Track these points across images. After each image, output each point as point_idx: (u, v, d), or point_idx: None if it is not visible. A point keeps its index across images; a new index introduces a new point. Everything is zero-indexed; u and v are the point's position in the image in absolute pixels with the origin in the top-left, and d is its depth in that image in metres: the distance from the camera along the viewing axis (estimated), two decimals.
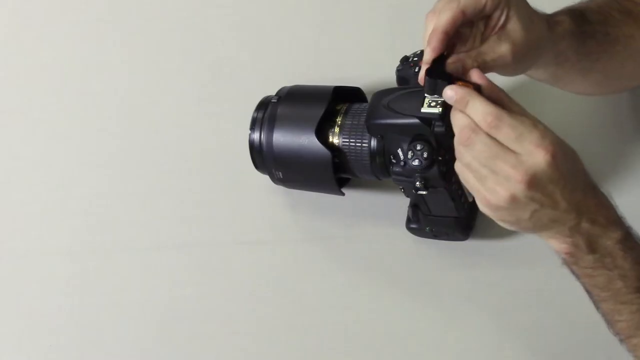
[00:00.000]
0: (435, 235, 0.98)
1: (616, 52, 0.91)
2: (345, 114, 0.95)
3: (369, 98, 0.95)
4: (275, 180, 0.99)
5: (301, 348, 0.98)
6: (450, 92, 0.79)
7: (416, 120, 0.87)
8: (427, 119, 0.86)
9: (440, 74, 0.81)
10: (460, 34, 0.82)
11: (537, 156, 0.75)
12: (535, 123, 0.76)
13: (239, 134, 1.01)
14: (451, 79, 0.80)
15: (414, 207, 0.95)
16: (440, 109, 0.86)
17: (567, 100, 1.03)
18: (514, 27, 0.82)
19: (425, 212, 0.95)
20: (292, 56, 1.12)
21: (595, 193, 0.79)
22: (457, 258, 0.99)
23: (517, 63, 0.83)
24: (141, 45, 1.14)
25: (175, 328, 1.00)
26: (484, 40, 0.83)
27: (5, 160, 1.10)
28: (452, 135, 0.88)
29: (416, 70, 0.93)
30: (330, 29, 1.13)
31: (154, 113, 1.11)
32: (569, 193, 0.77)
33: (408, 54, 0.96)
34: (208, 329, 1.00)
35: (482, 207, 0.79)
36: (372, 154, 0.93)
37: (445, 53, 0.81)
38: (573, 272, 0.82)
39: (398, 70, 0.96)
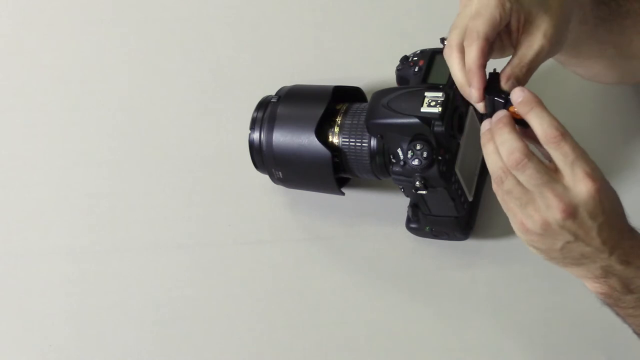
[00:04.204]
0: (435, 235, 0.98)
1: (626, 27, 0.89)
2: (345, 113, 0.95)
3: (369, 98, 0.95)
4: (275, 180, 0.99)
5: (301, 348, 0.98)
6: (519, 93, 0.76)
7: (416, 120, 0.87)
8: (426, 119, 0.86)
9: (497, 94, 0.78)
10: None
11: (583, 186, 0.73)
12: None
13: (239, 134, 1.01)
14: (508, 99, 0.78)
15: (414, 206, 0.95)
16: (440, 108, 0.86)
17: (571, 98, 1.04)
18: (536, 16, 0.79)
19: (425, 212, 0.95)
20: (292, 56, 1.12)
21: (632, 235, 0.77)
22: (457, 258, 0.99)
23: (556, 40, 0.80)
24: (141, 45, 1.14)
25: (175, 328, 1.00)
26: (515, 43, 0.81)
27: (5, 160, 1.10)
28: (452, 135, 0.88)
29: (415, 70, 0.93)
30: (330, 29, 1.13)
31: (154, 113, 1.11)
32: (607, 231, 0.75)
33: (408, 54, 0.96)
34: (208, 329, 1.00)
35: (515, 229, 0.78)
36: (372, 153, 0.93)
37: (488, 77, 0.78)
38: (617, 314, 0.81)
39: (398, 70, 0.96)
